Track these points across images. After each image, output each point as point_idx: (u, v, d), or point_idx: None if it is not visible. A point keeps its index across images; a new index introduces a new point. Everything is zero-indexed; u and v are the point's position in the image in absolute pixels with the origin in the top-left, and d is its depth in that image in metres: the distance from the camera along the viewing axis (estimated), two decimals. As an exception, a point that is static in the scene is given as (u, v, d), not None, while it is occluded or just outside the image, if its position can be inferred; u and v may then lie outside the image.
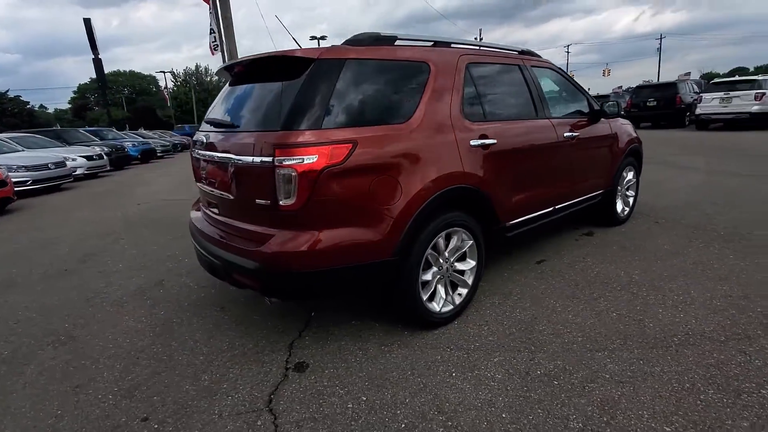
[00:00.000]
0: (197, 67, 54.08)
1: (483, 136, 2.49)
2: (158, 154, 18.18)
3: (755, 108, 11.72)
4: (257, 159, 1.96)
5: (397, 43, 2.38)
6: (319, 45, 8.76)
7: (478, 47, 2.87)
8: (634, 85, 21.36)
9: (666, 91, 14.62)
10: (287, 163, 1.87)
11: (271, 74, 2.21)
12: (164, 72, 56.59)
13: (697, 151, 8.91)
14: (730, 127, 12.68)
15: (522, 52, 3.20)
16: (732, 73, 43.33)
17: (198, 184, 2.62)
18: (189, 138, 19.33)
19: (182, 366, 2.19)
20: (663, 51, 49.43)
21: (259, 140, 1.98)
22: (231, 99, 2.48)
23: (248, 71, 2.43)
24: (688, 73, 32.52)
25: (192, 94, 46.87)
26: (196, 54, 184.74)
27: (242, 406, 1.85)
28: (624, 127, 4.07)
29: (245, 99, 2.38)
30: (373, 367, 2.09)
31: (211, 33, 11.74)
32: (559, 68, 3.57)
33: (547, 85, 3.36)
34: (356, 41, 2.25)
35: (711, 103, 12.52)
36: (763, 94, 11.66)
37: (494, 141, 2.54)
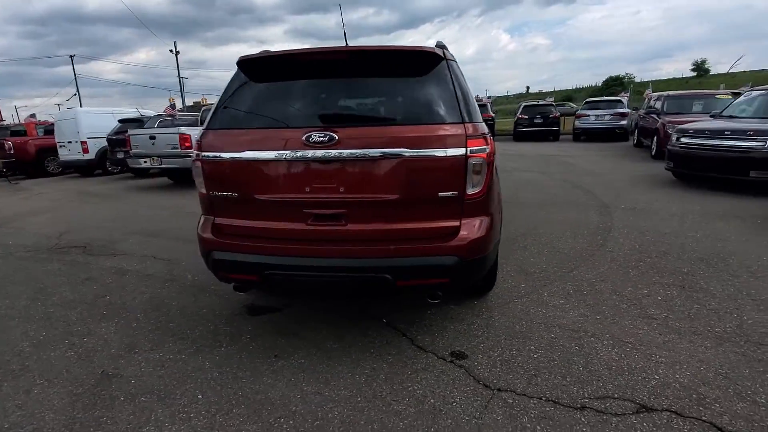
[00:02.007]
0: None
1: None
2: None
3: (622, 122, 14.89)
4: (449, 151, 1.99)
5: None
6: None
7: None
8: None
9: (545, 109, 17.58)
10: (477, 153, 2.03)
11: (391, 68, 2.18)
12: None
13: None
14: (598, 138, 15.36)
15: None
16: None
17: (284, 195, 2.14)
18: None
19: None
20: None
21: (442, 132, 2.02)
22: (335, 92, 2.29)
23: (356, 64, 2.22)
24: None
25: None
26: None
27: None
28: None
29: (363, 92, 2.29)
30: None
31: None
32: None
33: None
34: (441, 46, 2.39)
35: (587, 119, 15.53)
36: (623, 113, 14.97)
37: None
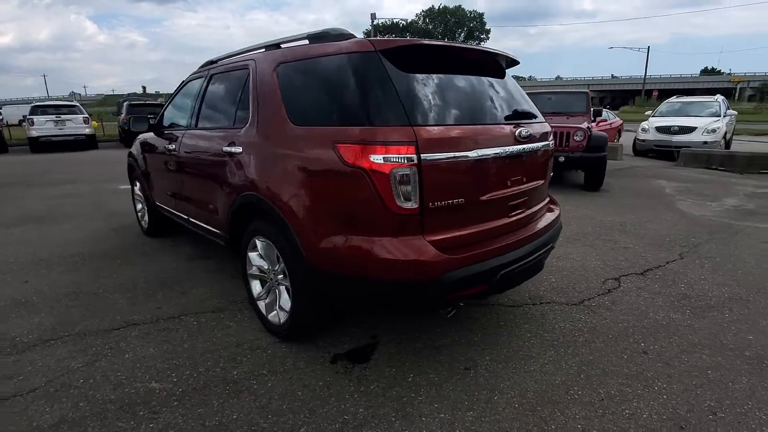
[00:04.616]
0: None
1: None
2: None
3: None
4: (551, 143, 2.51)
5: None
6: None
7: None
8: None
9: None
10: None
11: (492, 70, 2.33)
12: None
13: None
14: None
15: None
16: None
17: (498, 192, 2.08)
18: None
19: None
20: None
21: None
22: (487, 88, 2.23)
23: (474, 63, 2.27)
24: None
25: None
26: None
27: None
28: None
29: (505, 90, 2.33)
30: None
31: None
32: None
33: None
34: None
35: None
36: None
37: None
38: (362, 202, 1.76)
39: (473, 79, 2.16)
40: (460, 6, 53.73)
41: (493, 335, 2.44)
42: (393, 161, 1.68)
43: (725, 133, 10.63)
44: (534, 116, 2.43)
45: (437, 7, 53.26)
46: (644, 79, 46.05)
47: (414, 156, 1.69)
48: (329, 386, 2.00)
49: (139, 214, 4.43)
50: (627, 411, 1.82)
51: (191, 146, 2.96)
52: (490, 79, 2.26)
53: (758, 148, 10.96)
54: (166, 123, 3.61)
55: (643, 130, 10.90)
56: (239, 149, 2.35)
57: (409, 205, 1.73)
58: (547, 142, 2.44)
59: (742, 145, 12.30)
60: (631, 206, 5.59)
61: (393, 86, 1.79)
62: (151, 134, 3.74)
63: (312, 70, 2.09)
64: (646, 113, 12.54)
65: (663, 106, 11.91)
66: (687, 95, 13.56)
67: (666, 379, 2.04)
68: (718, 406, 1.85)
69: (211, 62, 3.14)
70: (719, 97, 11.50)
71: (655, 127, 10.62)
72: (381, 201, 1.71)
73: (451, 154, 1.81)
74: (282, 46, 2.44)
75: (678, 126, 10.28)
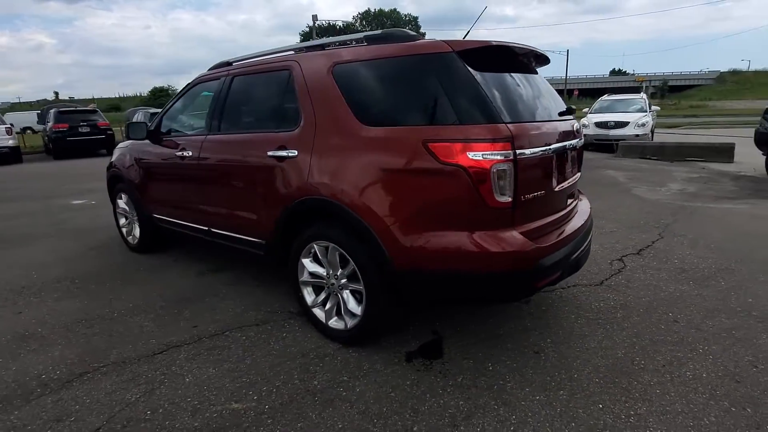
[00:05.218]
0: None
1: None
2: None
3: None
4: None
5: None
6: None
7: None
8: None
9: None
10: None
11: (534, 69, 2.45)
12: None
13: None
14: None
15: None
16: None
17: (565, 183, 2.27)
18: None
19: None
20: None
21: None
22: (533, 87, 2.30)
23: (526, 62, 2.39)
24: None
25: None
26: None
27: None
28: None
29: (542, 88, 2.38)
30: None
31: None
32: None
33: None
34: None
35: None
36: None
37: None
38: (457, 198, 1.81)
39: (529, 77, 2.28)
40: (395, 9, 54.88)
41: (542, 320, 2.59)
42: (491, 158, 1.75)
43: (652, 126, 11.97)
44: (573, 111, 2.61)
45: (373, 10, 53.99)
46: (566, 79, 50.14)
47: (510, 152, 1.77)
48: (418, 384, 2.01)
49: (124, 230, 4.05)
50: (688, 373, 2.05)
51: (217, 152, 2.78)
52: (536, 77, 2.40)
53: (677, 139, 12.51)
54: (165, 129, 3.36)
55: (584, 126, 11.92)
56: (293, 152, 2.27)
57: (504, 199, 1.81)
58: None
59: (661, 137, 13.91)
60: (597, 195, 6.09)
61: (479, 85, 1.86)
62: (144, 142, 3.45)
63: (382, 70, 2.08)
64: (583, 110, 13.72)
65: (596, 104, 13.10)
66: (603, 94, 14.92)
67: (704, 342, 2.31)
68: (755, 360, 2.14)
69: (227, 63, 2.97)
70: (643, 95, 12.92)
71: (594, 123, 11.67)
72: (479, 196, 1.77)
73: (537, 149, 1.93)
74: (325, 47, 2.41)
75: (614, 121, 11.40)
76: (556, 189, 2.14)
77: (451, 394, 1.94)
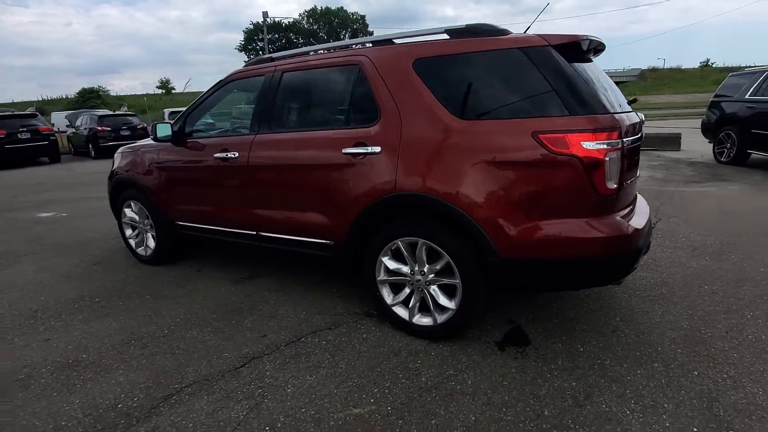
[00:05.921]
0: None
1: None
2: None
3: None
4: None
5: None
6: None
7: None
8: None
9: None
10: None
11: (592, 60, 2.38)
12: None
13: None
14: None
15: None
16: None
17: (638, 172, 2.40)
18: None
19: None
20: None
21: None
22: (605, 80, 2.32)
23: (593, 55, 2.41)
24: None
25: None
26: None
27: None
28: None
29: (607, 80, 2.35)
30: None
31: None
32: None
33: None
34: None
35: None
36: None
37: None
38: (569, 187, 1.87)
39: (596, 69, 2.33)
40: (342, 7, 54.47)
41: (600, 300, 2.74)
42: (604, 146, 1.83)
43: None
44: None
45: (319, 8, 53.13)
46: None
47: (619, 141, 1.87)
48: (524, 371, 2.07)
49: (132, 241, 3.72)
50: (750, 336, 2.28)
51: (272, 152, 2.63)
52: (599, 68, 2.45)
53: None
54: (195, 129, 3.12)
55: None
56: (376, 149, 2.22)
57: (612, 185, 1.90)
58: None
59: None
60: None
61: (579, 77, 1.93)
62: (164, 144, 3.19)
63: (475, 64, 2.09)
64: None
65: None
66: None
67: (747, 309, 2.57)
68: (796, 320, 2.43)
69: (270, 59, 2.82)
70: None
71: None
72: (591, 184, 1.85)
73: (633, 137, 2.04)
74: (395, 41, 2.38)
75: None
76: (636, 176, 2.29)
77: (560, 377, 2.01)
